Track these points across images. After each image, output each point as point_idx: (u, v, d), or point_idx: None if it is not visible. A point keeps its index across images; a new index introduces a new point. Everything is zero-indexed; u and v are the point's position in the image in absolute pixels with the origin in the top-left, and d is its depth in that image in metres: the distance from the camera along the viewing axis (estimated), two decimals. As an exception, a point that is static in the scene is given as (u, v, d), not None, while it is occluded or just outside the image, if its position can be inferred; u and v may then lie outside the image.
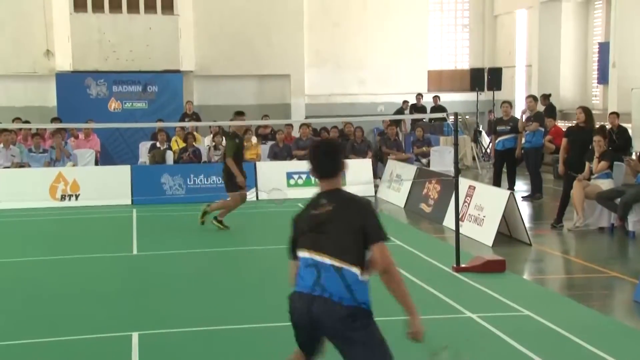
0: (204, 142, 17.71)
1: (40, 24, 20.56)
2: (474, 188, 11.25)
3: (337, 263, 4.04)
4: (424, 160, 17.09)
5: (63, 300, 7.68)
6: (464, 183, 10.94)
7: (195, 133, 17.31)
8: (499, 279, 8.36)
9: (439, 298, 7.56)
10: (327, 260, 4.06)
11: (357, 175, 15.76)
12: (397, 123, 19.28)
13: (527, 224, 10.80)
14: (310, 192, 15.69)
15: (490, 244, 10.13)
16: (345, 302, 4.01)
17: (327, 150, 4.32)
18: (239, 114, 12.07)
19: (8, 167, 14.92)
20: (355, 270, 4.05)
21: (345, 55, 23.19)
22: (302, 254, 4.17)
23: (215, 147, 16.47)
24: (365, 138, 17.65)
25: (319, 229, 4.13)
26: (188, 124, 17.66)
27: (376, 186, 15.73)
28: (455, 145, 8.86)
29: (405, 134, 20.47)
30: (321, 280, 4.05)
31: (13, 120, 17.82)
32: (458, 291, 7.86)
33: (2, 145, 15.27)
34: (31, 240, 11.24)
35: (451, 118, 9.75)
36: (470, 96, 22.42)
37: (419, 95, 22.10)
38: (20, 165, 15.15)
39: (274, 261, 9.56)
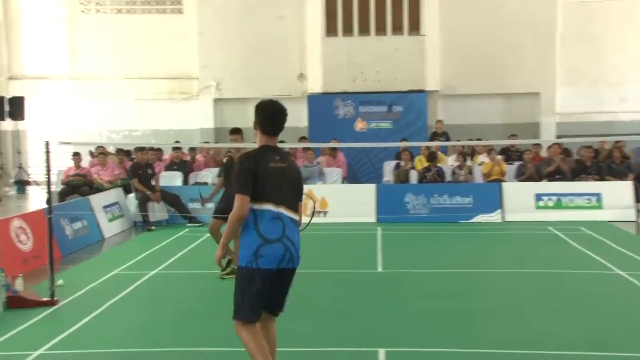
0: (448, 162, 17.45)
1: (295, 49, 21.77)
2: None
3: (294, 216, 4.89)
4: (696, 184, 15.33)
5: (302, 315, 7.78)
6: None
7: (439, 152, 17.13)
8: None
9: None
10: (289, 213, 4.85)
11: (615, 198, 14.64)
12: (662, 143, 17.56)
13: None
14: (561, 215, 14.62)
15: None
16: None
17: (284, 111, 4.96)
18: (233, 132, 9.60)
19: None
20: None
21: (603, 72, 21.67)
22: (267, 206, 4.75)
23: (460, 167, 16.16)
24: (626, 159, 16.29)
25: (280, 183, 4.82)
26: (432, 144, 17.52)
27: (638, 211, 14.44)
28: None
29: (673, 155, 18.54)
30: (286, 232, 4.78)
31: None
32: None
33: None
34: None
35: None
36: None
37: (691, 112, 19.97)
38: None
39: (518, 285, 9.02)
